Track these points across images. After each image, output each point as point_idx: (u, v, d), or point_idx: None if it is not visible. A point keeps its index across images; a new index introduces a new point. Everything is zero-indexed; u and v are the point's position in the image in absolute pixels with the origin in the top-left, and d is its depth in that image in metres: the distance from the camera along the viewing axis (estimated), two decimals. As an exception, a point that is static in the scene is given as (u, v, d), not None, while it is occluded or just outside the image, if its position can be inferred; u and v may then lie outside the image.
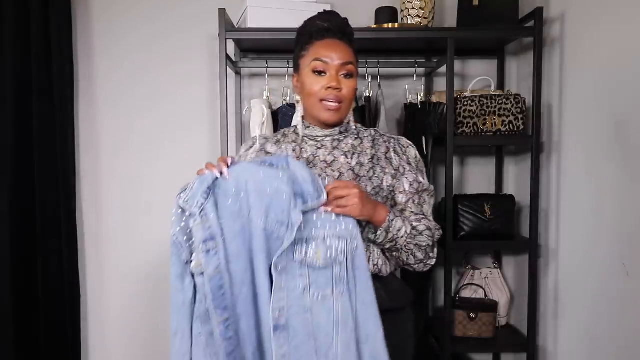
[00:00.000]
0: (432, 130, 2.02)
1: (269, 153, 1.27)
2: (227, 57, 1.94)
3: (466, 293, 2.18)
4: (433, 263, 1.21)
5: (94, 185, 2.28)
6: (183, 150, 2.28)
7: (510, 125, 1.97)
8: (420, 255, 1.17)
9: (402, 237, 1.13)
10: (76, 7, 2.22)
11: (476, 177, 2.34)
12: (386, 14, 2.04)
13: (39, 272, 2.12)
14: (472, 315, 2.07)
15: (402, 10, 2.04)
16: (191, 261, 1.07)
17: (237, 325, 1.05)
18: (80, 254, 2.26)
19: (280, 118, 2.01)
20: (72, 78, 2.17)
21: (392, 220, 1.12)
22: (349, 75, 1.20)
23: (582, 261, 1.80)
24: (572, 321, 1.86)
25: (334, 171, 1.21)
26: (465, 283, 2.21)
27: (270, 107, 2.06)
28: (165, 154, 2.28)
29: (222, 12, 1.88)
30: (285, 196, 1.05)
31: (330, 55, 1.18)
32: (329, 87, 1.18)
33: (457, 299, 2.14)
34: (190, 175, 2.42)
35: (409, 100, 2.20)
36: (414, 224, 1.16)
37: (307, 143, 1.26)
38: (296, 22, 1.98)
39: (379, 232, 1.13)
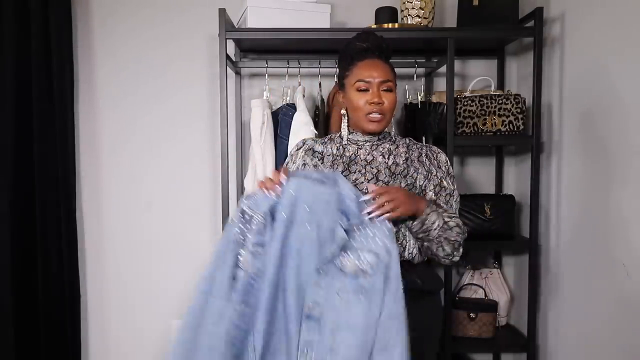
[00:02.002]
0: (432, 130, 2.02)
1: (317, 152, 1.43)
2: (227, 57, 1.94)
3: (466, 293, 2.18)
4: (457, 259, 1.36)
5: (94, 185, 2.28)
6: (183, 150, 2.28)
7: (510, 125, 1.96)
8: (448, 249, 1.31)
9: (435, 229, 1.27)
10: (76, 7, 2.22)
11: (476, 177, 2.34)
12: (386, 13, 2.04)
13: (39, 272, 2.12)
14: (472, 315, 2.07)
15: (402, 10, 2.04)
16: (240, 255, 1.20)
17: (251, 319, 1.16)
18: (80, 254, 2.26)
19: (280, 118, 2.01)
20: (72, 78, 2.17)
21: (429, 214, 1.27)
22: (388, 90, 1.35)
23: (582, 261, 1.80)
24: (572, 321, 1.86)
25: (372, 168, 1.37)
26: (465, 283, 2.21)
27: (270, 107, 2.06)
28: (166, 154, 2.28)
29: (222, 12, 1.88)
30: (333, 213, 1.20)
31: (371, 74, 1.34)
32: (372, 102, 1.33)
33: (457, 299, 2.14)
34: (190, 175, 2.43)
35: (408, 100, 2.20)
36: (446, 219, 1.29)
37: (349, 145, 1.42)
38: (296, 22, 1.99)
39: (415, 223, 1.28)
